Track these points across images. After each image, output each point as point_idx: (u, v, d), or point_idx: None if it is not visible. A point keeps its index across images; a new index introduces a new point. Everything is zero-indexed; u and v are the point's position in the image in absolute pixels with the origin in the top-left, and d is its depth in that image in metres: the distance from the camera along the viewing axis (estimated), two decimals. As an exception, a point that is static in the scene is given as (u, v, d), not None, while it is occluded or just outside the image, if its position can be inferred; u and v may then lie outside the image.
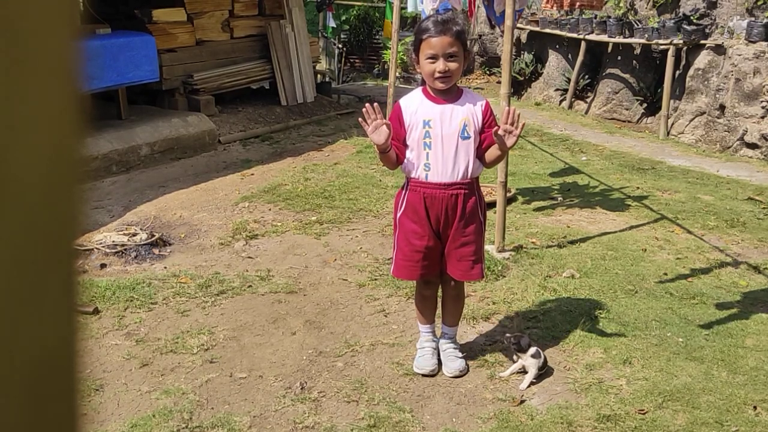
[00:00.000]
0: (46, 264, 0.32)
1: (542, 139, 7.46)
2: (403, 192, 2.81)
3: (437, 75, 2.63)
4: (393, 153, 2.68)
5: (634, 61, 8.59)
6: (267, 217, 4.84)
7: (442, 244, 2.80)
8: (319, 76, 9.79)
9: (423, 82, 2.78)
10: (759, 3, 7.32)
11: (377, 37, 14.60)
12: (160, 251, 4.27)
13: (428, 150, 2.70)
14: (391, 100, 6.24)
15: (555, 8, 8.23)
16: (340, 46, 13.34)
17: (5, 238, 0.30)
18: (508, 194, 4.65)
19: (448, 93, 2.72)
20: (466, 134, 2.70)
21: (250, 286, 3.75)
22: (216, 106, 7.61)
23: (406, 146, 2.75)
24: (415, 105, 2.73)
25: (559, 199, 5.37)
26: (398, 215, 2.82)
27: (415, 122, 2.71)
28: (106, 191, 5.42)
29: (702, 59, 7.52)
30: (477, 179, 2.82)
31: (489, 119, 2.75)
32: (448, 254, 2.81)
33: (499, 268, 3.89)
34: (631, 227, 4.72)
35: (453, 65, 2.63)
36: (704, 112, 7.46)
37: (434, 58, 2.62)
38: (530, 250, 4.22)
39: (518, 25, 9.62)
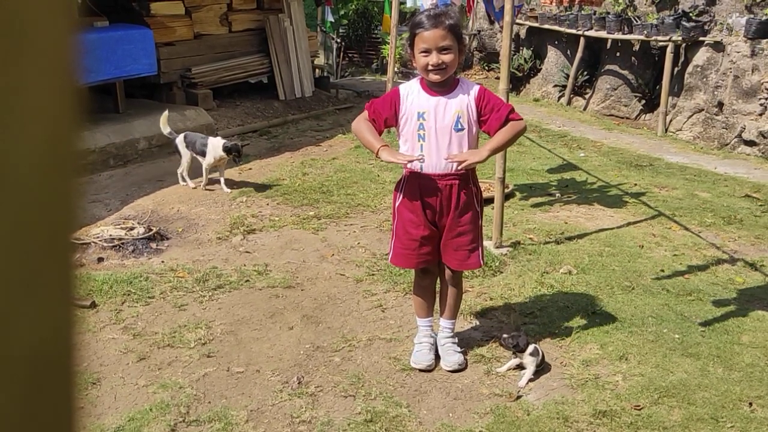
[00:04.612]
0: (43, 257, 0.32)
1: (540, 135, 7.46)
2: (401, 183, 2.85)
3: (431, 68, 2.64)
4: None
5: (633, 58, 8.59)
6: (265, 212, 4.84)
7: (439, 233, 2.82)
8: (317, 70, 9.77)
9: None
10: (758, 0, 7.32)
11: (376, 31, 14.57)
12: (157, 245, 4.26)
13: (422, 142, 2.73)
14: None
15: (554, 4, 8.22)
16: (338, 40, 13.30)
17: (1, 231, 0.30)
18: (506, 190, 4.65)
19: (444, 85, 2.73)
20: (459, 126, 2.72)
21: (248, 280, 3.75)
22: (214, 101, 7.59)
23: (386, 126, 2.79)
24: (412, 96, 2.75)
25: (557, 195, 5.38)
26: (396, 204, 2.87)
27: (410, 114, 2.74)
28: (104, 185, 5.41)
29: (701, 56, 7.52)
30: (473, 170, 2.83)
31: (484, 104, 2.74)
32: (444, 244, 2.84)
33: (497, 263, 3.89)
34: (629, 224, 4.73)
35: (447, 57, 2.63)
36: (702, 109, 7.46)
37: (428, 51, 2.63)
38: (528, 246, 4.23)
39: (517, 20, 9.61)
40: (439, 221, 2.81)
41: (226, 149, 5.09)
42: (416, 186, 2.78)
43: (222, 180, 5.29)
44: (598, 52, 9.13)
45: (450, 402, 2.73)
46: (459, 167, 2.69)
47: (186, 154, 5.26)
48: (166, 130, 5.35)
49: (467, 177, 2.81)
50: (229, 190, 5.23)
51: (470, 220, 2.82)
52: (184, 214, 4.82)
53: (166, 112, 5.48)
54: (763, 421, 2.59)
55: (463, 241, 2.83)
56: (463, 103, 2.73)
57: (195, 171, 5.34)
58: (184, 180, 5.37)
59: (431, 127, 2.71)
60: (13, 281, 0.31)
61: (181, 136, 5.30)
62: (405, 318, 3.35)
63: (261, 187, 5.35)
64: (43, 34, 0.31)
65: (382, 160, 2.71)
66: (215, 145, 5.14)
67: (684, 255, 4.18)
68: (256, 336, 3.20)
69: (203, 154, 5.19)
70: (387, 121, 2.75)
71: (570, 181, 5.78)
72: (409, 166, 2.72)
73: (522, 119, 2.79)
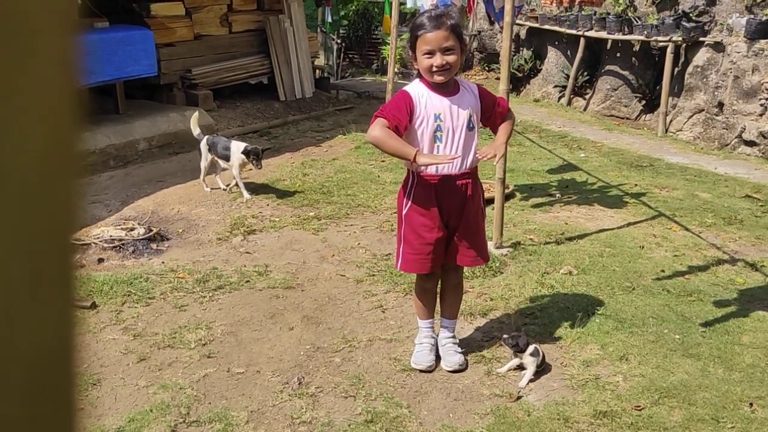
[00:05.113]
0: (44, 258, 0.32)
1: (541, 135, 7.47)
2: (408, 187, 2.80)
3: (435, 69, 2.63)
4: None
5: (633, 58, 8.59)
6: (265, 213, 4.84)
7: (448, 234, 2.83)
8: (317, 71, 9.77)
9: (419, 75, 2.77)
10: (758, 0, 7.32)
11: (376, 32, 14.58)
12: (157, 246, 4.26)
13: (439, 143, 2.72)
14: (390, 96, 6.22)
15: (554, 4, 8.22)
16: (338, 41, 13.31)
17: (2, 232, 0.30)
18: (506, 190, 4.65)
19: (448, 86, 2.73)
20: (471, 125, 2.76)
21: (248, 281, 3.75)
22: (214, 101, 7.60)
23: (404, 131, 2.70)
24: (424, 98, 2.71)
25: (557, 195, 5.38)
26: (405, 211, 2.81)
27: (425, 116, 2.69)
28: (104, 186, 5.41)
29: (701, 56, 7.52)
30: (476, 168, 2.87)
31: (487, 101, 2.82)
32: (457, 243, 2.84)
33: (497, 264, 3.89)
34: (629, 224, 4.73)
35: (451, 58, 2.63)
36: (703, 110, 7.46)
37: (431, 53, 2.63)
38: (528, 246, 4.23)
39: (517, 21, 9.61)
40: (451, 221, 2.80)
41: (246, 152, 5.02)
42: (431, 188, 2.74)
43: (241, 184, 5.18)
44: (598, 53, 9.14)
45: (450, 403, 2.73)
46: (495, 162, 2.85)
47: (206, 158, 5.21)
48: (195, 131, 5.30)
49: (476, 175, 2.85)
50: (249, 196, 5.10)
51: (481, 217, 2.90)
52: (185, 214, 4.82)
53: (196, 113, 5.42)
54: (763, 421, 2.59)
55: (476, 238, 2.87)
56: (471, 102, 2.76)
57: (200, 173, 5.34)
58: (202, 183, 5.31)
59: (448, 127, 2.71)
60: (13, 282, 0.31)
61: (205, 138, 5.25)
62: (405, 318, 3.35)
63: (261, 188, 5.35)
64: (43, 35, 0.31)
65: (420, 165, 2.63)
66: (237, 148, 5.07)
67: (684, 255, 4.18)
68: (257, 337, 3.20)
69: (225, 158, 5.12)
70: (406, 126, 2.69)
71: (570, 181, 5.78)
72: (436, 169, 2.71)
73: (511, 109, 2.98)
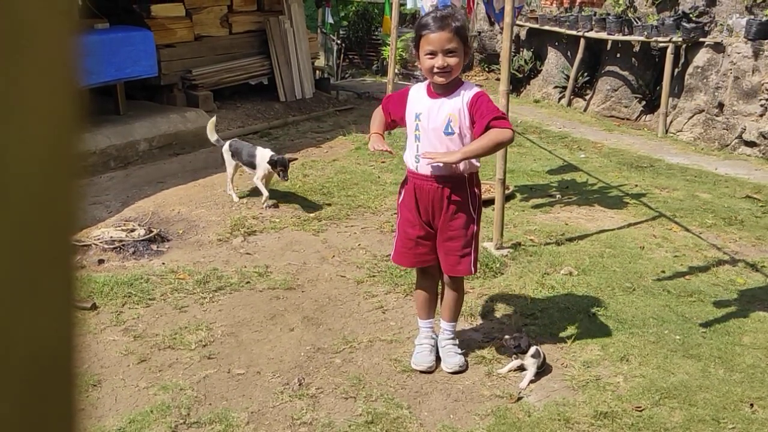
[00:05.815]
0: (44, 259, 0.32)
1: (541, 136, 7.46)
2: (404, 181, 2.92)
3: (436, 70, 2.64)
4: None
5: (633, 59, 8.59)
6: (265, 213, 4.84)
7: (435, 235, 2.85)
8: (317, 72, 9.77)
9: None
10: (758, 1, 7.32)
11: (376, 33, 14.59)
12: (158, 247, 4.26)
13: (418, 143, 2.77)
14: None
15: (554, 5, 8.22)
16: (338, 42, 13.31)
17: (3, 233, 0.30)
18: (507, 191, 4.65)
19: (445, 87, 2.73)
20: (449, 130, 2.69)
21: (248, 282, 3.75)
22: (214, 102, 7.60)
23: (394, 123, 2.93)
24: (417, 96, 2.81)
25: (558, 196, 5.38)
26: (399, 203, 2.94)
27: (409, 113, 2.80)
28: (104, 187, 5.41)
29: (701, 57, 7.52)
30: (473, 175, 2.81)
31: (474, 110, 2.65)
32: (438, 247, 2.86)
33: (497, 265, 3.89)
34: (629, 225, 4.72)
35: (452, 60, 2.63)
36: (703, 110, 7.46)
37: (433, 54, 2.63)
38: (528, 247, 4.22)
39: (517, 22, 9.61)
40: (434, 222, 2.83)
41: (272, 162, 4.70)
42: (412, 185, 2.82)
43: (261, 186, 4.88)
44: (598, 54, 9.13)
45: (451, 403, 2.73)
46: (427, 164, 2.71)
47: (231, 164, 4.96)
48: (213, 137, 5.05)
49: (462, 180, 2.75)
50: (266, 206, 4.85)
51: (462, 225, 2.77)
52: (185, 215, 4.82)
53: (213, 119, 5.15)
54: (764, 422, 2.59)
55: (454, 246, 2.79)
56: (456, 107, 2.68)
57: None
58: (229, 192, 5.06)
59: (425, 128, 2.74)
60: (14, 283, 0.31)
61: (227, 144, 5.00)
62: (406, 319, 3.35)
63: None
64: (44, 36, 0.31)
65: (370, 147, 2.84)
66: (263, 157, 4.78)
67: (685, 256, 4.18)
68: (257, 338, 3.20)
69: (250, 165, 4.85)
70: (391, 113, 2.87)
71: (570, 182, 5.78)
72: (415, 167, 2.80)
73: (508, 128, 2.64)
